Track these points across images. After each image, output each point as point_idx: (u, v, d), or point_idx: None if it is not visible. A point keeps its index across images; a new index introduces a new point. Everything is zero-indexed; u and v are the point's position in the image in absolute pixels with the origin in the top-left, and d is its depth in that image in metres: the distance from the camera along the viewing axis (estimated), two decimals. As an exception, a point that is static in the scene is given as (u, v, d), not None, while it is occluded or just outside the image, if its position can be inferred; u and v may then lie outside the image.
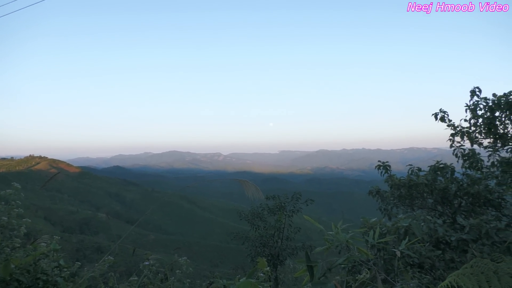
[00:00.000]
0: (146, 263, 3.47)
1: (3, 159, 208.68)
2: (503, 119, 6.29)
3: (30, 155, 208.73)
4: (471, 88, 6.64)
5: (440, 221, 4.77)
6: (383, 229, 4.56)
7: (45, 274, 2.82)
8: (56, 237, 3.18)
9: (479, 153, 6.59)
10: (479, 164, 6.45)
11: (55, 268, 2.90)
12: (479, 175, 6.11)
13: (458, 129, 6.79)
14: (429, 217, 4.97)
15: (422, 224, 4.67)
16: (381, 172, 7.09)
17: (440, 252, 4.17)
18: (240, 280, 2.19)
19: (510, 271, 1.52)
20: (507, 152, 6.27)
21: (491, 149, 6.38)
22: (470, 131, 6.66)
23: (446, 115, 6.96)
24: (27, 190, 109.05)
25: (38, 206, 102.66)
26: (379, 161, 7.27)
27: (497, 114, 6.30)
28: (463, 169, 6.53)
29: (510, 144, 6.27)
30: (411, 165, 6.91)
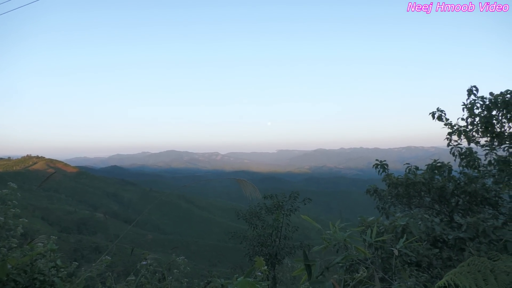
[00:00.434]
0: (144, 262, 3.46)
1: (0, 159, 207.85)
2: (500, 117, 6.31)
3: (27, 155, 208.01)
4: (468, 87, 6.66)
5: (437, 220, 4.79)
6: (380, 227, 4.57)
7: (42, 274, 2.81)
8: (53, 237, 3.16)
9: (476, 152, 6.61)
10: (476, 163, 6.47)
11: (52, 268, 2.89)
12: (476, 174, 6.13)
13: (455, 128, 6.81)
14: (426, 216, 4.99)
15: (420, 222, 4.68)
16: (379, 171, 7.10)
17: (437, 250, 4.19)
18: (238, 279, 2.19)
19: (506, 269, 1.53)
20: (504, 150, 6.30)
21: (488, 148, 6.40)
22: (467, 130, 6.68)
23: (443, 114, 6.97)
24: (24, 190, 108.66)
25: (36, 206, 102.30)
26: (376, 160, 7.29)
27: (494, 113, 6.32)
28: (460, 168, 6.55)
29: (507, 142, 6.29)
30: (408, 164, 6.92)
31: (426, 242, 4.37)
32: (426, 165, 6.63)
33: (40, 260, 2.91)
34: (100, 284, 3.22)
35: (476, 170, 6.33)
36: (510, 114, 6.07)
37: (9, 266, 2.65)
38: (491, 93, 6.30)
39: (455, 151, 6.73)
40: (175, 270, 3.77)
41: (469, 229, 4.43)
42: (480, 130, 6.55)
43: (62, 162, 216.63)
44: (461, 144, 6.75)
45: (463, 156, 6.62)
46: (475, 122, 6.57)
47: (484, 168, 6.35)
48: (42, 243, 3.10)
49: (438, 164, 6.45)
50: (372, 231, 2.53)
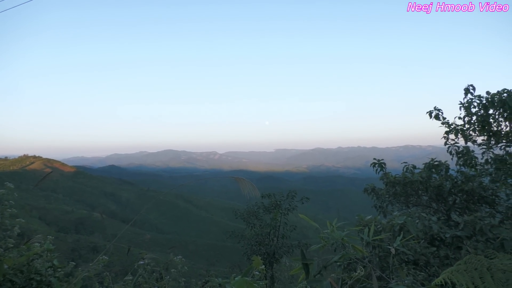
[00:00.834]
0: (141, 262, 3.45)
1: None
2: (496, 116, 6.34)
3: (24, 155, 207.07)
4: (465, 86, 6.68)
5: (434, 218, 4.79)
6: (378, 226, 4.58)
7: (38, 274, 2.79)
8: (50, 237, 3.15)
9: (473, 151, 6.64)
10: (473, 162, 6.50)
11: (49, 268, 2.87)
12: (473, 173, 6.16)
13: (452, 127, 6.83)
14: (424, 214, 5.00)
15: (417, 221, 4.69)
16: (376, 170, 7.11)
17: (434, 249, 4.20)
18: (236, 278, 2.19)
19: (503, 267, 1.53)
20: (500, 149, 6.32)
21: (485, 147, 6.43)
22: (464, 128, 6.70)
23: (440, 113, 6.99)
24: (21, 190, 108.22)
25: (33, 206, 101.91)
26: (374, 159, 7.30)
27: (490, 111, 6.34)
28: (458, 167, 6.58)
29: (504, 141, 6.32)
30: (406, 162, 6.94)
31: (423, 240, 4.38)
32: (423, 164, 6.65)
33: (37, 260, 2.89)
34: (98, 284, 3.21)
35: (473, 169, 6.35)
36: (506, 113, 6.09)
37: (5, 266, 2.63)
38: (487, 92, 6.32)
39: (452, 150, 6.76)
40: (173, 270, 3.77)
41: (466, 227, 4.45)
42: (477, 129, 6.58)
43: (60, 161, 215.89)
44: (458, 143, 6.78)
45: (460, 155, 6.64)
46: (472, 121, 6.60)
47: (481, 167, 6.37)
48: (39, 243, 3.09)
49: (436, 163, 6.47)
50: (369, 230, 2.54)
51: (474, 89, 6.56)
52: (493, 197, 5.80)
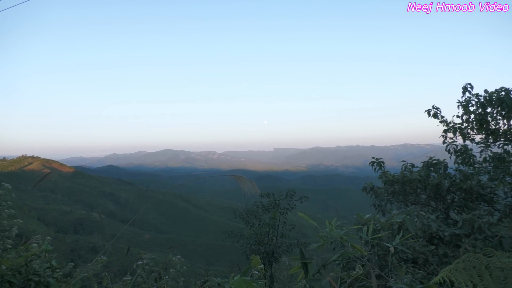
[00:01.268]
0: (140, 262, 3.45)
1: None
2: (494, 115, 6.34)
3: (22, 155, 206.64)
4: (463, 84, 6.68)
5: (433, 217, 4.80)
6: (377, 225, 4.59)
7: (37, 275, 2.78)
8: (48, 237, 3.14)
9: (471, 149, 6.64)
10: (472, 160, 6.50)
11: (47, 269, 2.87)
12: (471, 171, 6.17)
13: (450, 125, 6.83)
14: (422, 213, 5.01)
15: (416, 219, 4.70)
16: (375, 169, 7.12)
17: (433, 247, 4.20)
18: (234, 278, 2.19)
19: (501, 265, 1.53)
20: (498, 147, 6.33)
21: (483, 145, 6.44)
22: (462, 127, 6.71)
23: (438, 112, 7.00)
24: (19, 190, 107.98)
25: (31, 207, 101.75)
26: (373, 157, 7.30)
27: (488, 110, 6.34)
28: (456, 165, 6.58)
29: (502, 139, 6.33)
30: (404, 161, 6.95)
31: (422, 239, 4.39)
32: (422, 162, 6.66)
33: (35, 261, 2.88)
34: (97, 284, 3.20)
35: (471, 167, 6.36)
36: (504, 111, 6.10)
37: (3, 267, 2.62)
38: (485, 91, 6.33)
39: (451, 148, 6.76)
40: (172, 270, 3.76)
41: (464, 225, 4.46)
42: (475, 127, 6.58)
43: (58, 162, 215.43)
44: (456, 141, 6.78)
45: (459, 153, 6.65)
46: (470, 120, 6.60)
47: (479, 165, 6.38)
48: (37, 243, 3.08)
49: (434, 162, 6.48)
50: (368, 228, 2.54)
51: (472, 87, 6.57)
52: (492, 195, 5.81)
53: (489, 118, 6.38)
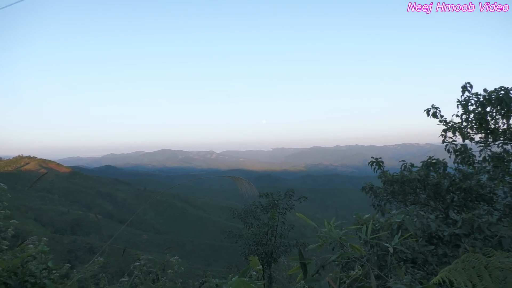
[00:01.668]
0: (137, 263, 3.44)
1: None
2: (494, 114, 6.35)
3: (19, 155, 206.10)
4: (462, 84, 6.69)
5: (432, 216, 4.81)
6: (376, 225, 4.59)
7: (33, 276, 2.77)
8: (45, 238, 3.13)
9: (470, 148, 6.66)
10: (471, 159, 6.52)
11: (44, 270, 2.86)
12: (471, 170, 6.17)
13: (450, 124, 6.85)
14: (422, 213, 5.02)
15: (415, 219, 4.70)
16: (374, 168, 7.12)
17: (433, 247, 4.21)
18: (233, 278, 2.19)
19: (501, 265, 1.53)
20: (498, 147, 6.35)
21: (483, 144, 6.45)
22: (462, 126, 6.72)
23: (438, 111, 7.01)
24: (16, 191, 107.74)
25: (28, 207, 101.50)
26: (372, 157, 7.31)
27: (488, 109, 6.35)
28: (455, 164, 6.59)
29: (501, 139, 6.34)
30: (404, 161, 6.95)
31: (421, 238, 4.39)
32: (421, 162, 6.66)
33: (31, 262, 2.88)
34: (94, 285, 3.19)
35: (471, 167, 6.37)
36: (504, 110, 6.11)
37: (-1, 269, 2.61)
38: (485, 90, 6.34)
39: (450, 148, 6.78)
40: (169, 271, 3.76)
41: (464, 225, 4.46)
42: (475, 126, 6.59)
43: (55, 162, 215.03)
44: (456, 141, 6.79)
45: (458, 153, 6.66)
46: (469, 119, 6.61)
47: (479, 165, 6.40)
48: (33, 244, 3.07)
49: (433, 161, 6.49)
50: (367, 228, 2.54)
51: (471, 86, 6.58)
52: (491, 194, 5.82)
53: (488, 118, 6.39)
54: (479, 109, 6.41)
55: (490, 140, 6.47)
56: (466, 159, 6.52)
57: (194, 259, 71.28)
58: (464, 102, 6.59)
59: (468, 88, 6.58)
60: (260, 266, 2.58)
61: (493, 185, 5.80)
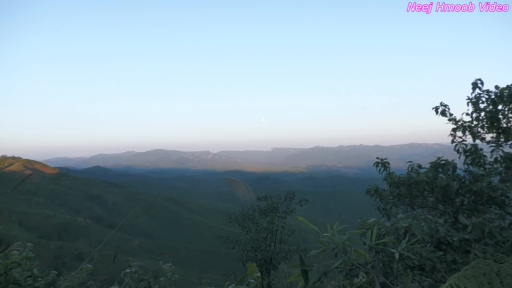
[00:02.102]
0: (128, 270, 3.44)
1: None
2: (506, 112, 6.35)
3: (2, 156, 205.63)
4: (473, 80, 6.69)
5: (441, 221, 4.82)
6: (381, 229, 4.60)
7: (17, 284, 2.77)
8: (30, 244, 3.12)
9: (481, 149, 6.66)
10: (482, 160, 6.52)
11: (29, 278, 2.85)
12: (481, 172, 6.18)
13: (459, 123, 6.84)
14: (430, 217, 5.02)
15: (423, 224, 4.71)
16: (380, 170, 7.13)
17: (441, 253, 4.22)
18: (230, 286, 2.19)
19: (513, 272, 1.54)
20: (510, 147, 6.35)
21: (494, 144, 6.45)
22: (472, 125, 6.72)
23: (447, 109, 7.00)
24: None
25: (12, 211, 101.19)
26: (377, 158, 7.32)
27: (500, 107, 6.35)
28: (465, 166, 6.60)
29: (514, 138, 6.35)
30: (411, 161, 6.96)
31: (429, 244, 4.40)
32: (429, 163, 6.67)
33: (15, 269, 2.87)
34: (82, 293, 3.19)
35: (481, 168, 6.38)
36: (516, 108, 6.12)
37: (-19, 276, 2.61)
38: (496, 87, 6.34)
39: (460, 148, 6.78)
40: (162, 278, 3.75)
41: (474, 230, 4.47)
42: (486, 125, 6.59)
43: (41, 163, 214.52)
44: (466, 141, 6.79)
45: (468, 153, 6.66)
46: (480, 117, 6.61)
47: (490, 166, 6.40)
48: (17, 250, 3.06)
49: (442, 162, 6.50)
50: (372, 233, 2.54)
51: (482, 83, 6.57)
52: (503, 197, 5.84)
53: (500, 116, 6.39)
54: (490, 107, 6.41)
55: (502, 140, 6.47)
56: (476, 160, 6.52)
57: (188, 266, 71.28)
58: (474, 100, 6.59)
59: (479, 85, 6.57)
60: (259, 274, 2.58)
61: (505, 188, 5.81)
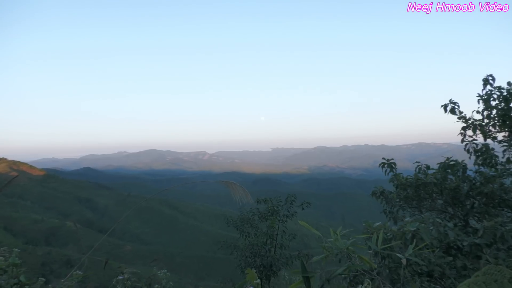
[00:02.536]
0: (120, 277, 3.44)
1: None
2: (519, 110, 6.36)
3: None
4: (484, 76, 6.69)
5: (451, 224, 4.82)
6: (388, 234, 4.60)
7: (3, 292, 2.77)
8: (16, 249, 3.12)
9: (493, 148, 6.66)
10: (493, 161, 6.52)
11: (15, 285, 2.85)
12: (493, 173, 6.18)
13: (470, 121, 6.84)
14: (438, 220, 5.02)
15: (431, 228, 4.71)
16: (386, 171, 7.13)
17: (451, 258, 4.22)
18: (228, 294, 2.19)
19: (526, 279, 1.54)
20: (524, 147, 6.36)
21: (506, 144, 6.46)
22: (483, 124, 6.72)
23: (456, 107, 7.00)
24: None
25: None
26: (383, 158, 7.32)
27: (512, 104, 6.37)
28: (476, 166, 6.60)
29: (527, 137, 6.36)
30: (418, 162, 6.96)
31: (438, 249, 4.40)
32: (438, 163, 6.67)
33: (1, 276, 2.87)
34: (71, 302, 3.19)
35: (493, 169, 6.37)
36: (530, 106, 6.13)
37: (-35, 284, 2.61)
38: (509, 83, 6.34)
39: (470, 148, 6.78)
40: (156, 286, 3.76)
41: (486, 234, 4.48)
42: (497, 124, 6.59)
43: (27, 164, 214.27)
44: (476, 140, 6.79)
45: (479, 153, 6.67)
46: (491, 115, 6.60)
47: (502, 167, 6.40)
48: (3, 256, 3.06)
49: (452, 163, 6.50)
50: (378, 238, 2.55)
51: (493, 79, 6.56)
52: (516, 200, 5.84)
53: (513, 114, 6.40)
54: (502, 104, 6.41)
55: (515, 139, 6.48)
56: (488, 160, 6.53)
57: (184, 272, 71.30)
58: (485, 97, 6.58)
59: (490, 81, 6.57)
60: (258, 280, 2.58)
61: (518, 189, 5.82)
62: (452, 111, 7.00)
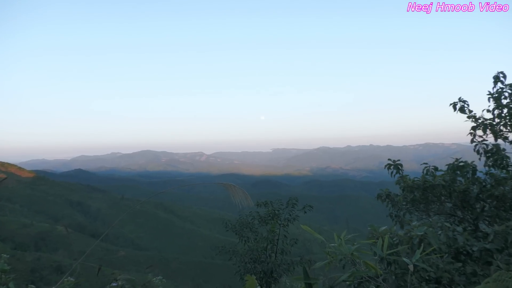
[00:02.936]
0: (114, 284, 3.44)
1: None
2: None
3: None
4: (495, 73, 6.69)
5: (460, 229, 4.82)
6: (394, 239, 4.60)
7: (-9, 300, 2.77)
8: (4, 255, 3.12)
9: (504, 149, 6.66)
10: (505, 162, 6.52)
11: (4, 293, 2.85)
12: (504, 175, 6.18)
13: (480, 121, 6.84)
14: (447, 224, 5.03)
15: (440, 232, 4.71)
16: (392, 173, 7.14)
17: (460, 264, 4.22)
18: (226, 302, 2.20)
19: (539, 285, 1.54)
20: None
21: (518, 144, 6.47)
22: (494, 123, 6.71)
23: (466, 105, 7.00)
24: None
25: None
26: (389, 159, 7.33)
27: (525, 103, 6.37)
28: (486, 168, 6.60)
29: (540, 138, 6.36)
30: (426, 163, 6.97)
31: (447, 255, 4.40)
32: (446, 165, 6.67)
33: (-11, 283, 2.87)
34: (62, 310, 3.19)
35: (504, 171, 6.38)
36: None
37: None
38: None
39: (480, 149, 6.78)
40: (152, 293, 3.76)
41: (496, 239, 4.48)
42: (509, 123, 6.59)
43: (16, 165, 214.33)
44: (486, 140, 6.79)
45: (489, 154, 6.67)
46: (502, 114, 6.60)
47: (514, 168, 6.41)
48: (-9, 263, 3.06)
49: (461, 164, 6.50)
50: (384, 242, 2.55)
51: (505, 77, 6.56)
52: (528, 203, 5.84)
53: (525, 113, 6.40)
54: (514, 103, 6.41)
55: (527, 139, 6.49)
56: (498, 162, 6.53)
57: (180, 279, 71.31)
58: (496, 95, 6.58)
59: (501, 79, 6.57)
60: (259, 287, 2.59)
61: (530, 192, 5.82)
62: (462, 110, 6.99)
